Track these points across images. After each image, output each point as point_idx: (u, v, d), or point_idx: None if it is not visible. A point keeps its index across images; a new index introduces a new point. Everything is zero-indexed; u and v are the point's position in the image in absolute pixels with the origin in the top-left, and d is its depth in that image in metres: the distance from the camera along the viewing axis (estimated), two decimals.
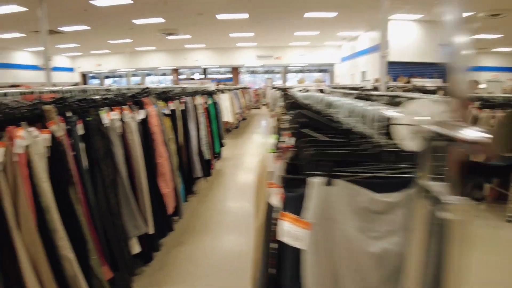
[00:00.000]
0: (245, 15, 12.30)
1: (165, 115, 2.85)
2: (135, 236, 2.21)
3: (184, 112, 3.53)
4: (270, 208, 1.12)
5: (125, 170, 2.05)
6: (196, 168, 3.92)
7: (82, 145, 1.70)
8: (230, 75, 22.74)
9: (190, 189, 3.95)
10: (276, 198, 1.00)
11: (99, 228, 1.80)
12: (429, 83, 7.04)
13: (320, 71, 23.05)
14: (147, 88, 2.88)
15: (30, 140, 1.36)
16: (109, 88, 2.76)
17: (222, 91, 7.89)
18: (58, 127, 1.51)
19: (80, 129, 1.70)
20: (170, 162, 2.73)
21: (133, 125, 2.22)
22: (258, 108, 19.78)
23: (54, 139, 1.47)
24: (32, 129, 1.43)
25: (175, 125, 3.18)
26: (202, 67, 22.64)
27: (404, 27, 13.58)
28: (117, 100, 2.17)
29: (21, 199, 1.31)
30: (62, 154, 1.51)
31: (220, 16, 12.30)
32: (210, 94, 5.13)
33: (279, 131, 1.83)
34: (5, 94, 1.75)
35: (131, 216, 2.08)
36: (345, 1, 10.64)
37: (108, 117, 1.94)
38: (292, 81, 22.39)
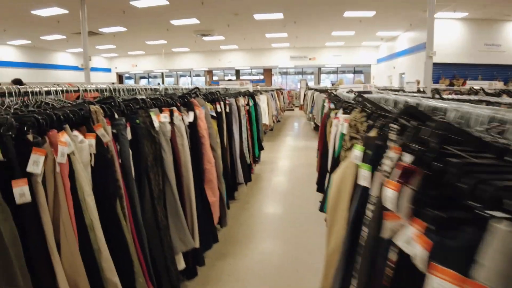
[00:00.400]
0: (280, 15, 12.05)
1: (212, 117, 2.63)
2: (181, 251, 1.98)
3: (228, 114, 3.31)
4: (383, 245, 0.84)
5: (174, 179, 1.83)
6: (239, 173, 3.69)
7: (129, 151, 1.48)
8: (261, 76, 22.57)
9: (231, 195, 3.72)
10: (407, 238, 0.72)
11: (145, 245, 1.58)
12: (486, 85, 6.46)
13: (355, 72, 22.50)
14: (197, 88, 2.66)
15: (74, 147, 1.15)
16: (157, 87, 2.55)
17: (261, 92, 7.66)
18: (105, 131, 1.30)
19: (129, 133, 1.49)
20: (217, 168, 2.50)
21: (183, 129, 2.00)
22: (292, 109, 19.54)
23: (100, 145, 1.25)
24: (76, 133, 1.22)
25: (220, 128, 2.96)
26: (235, 68, 22.61)
27: (446, 26, 12.83)
28: (166, 101, 1.96)
29: (62, 216, 1.10)
30: (109, 163, 1.29)
31: (257, 16, 12.10)
32: (251, 95, 4.90)
33: (358, 140, 1.55)
34: (48, 92, 1.56)
35: (179, 230, 1.85)
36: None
37: (158, 119, 1.73)
38: (324, 82, 21.95)
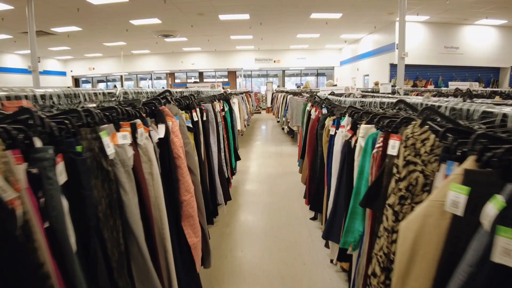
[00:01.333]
0: (246, 16, 11.58)
1: (189, 129, 2.03)
2: None
3: (205, 123, 2.71)
4: None
5: (142, 230, 1.22)
6: (219, 192, 3.10)
7: (65, 203, 0.85)
8: (226, 79, 22.05)
9: (210, 220, 3.12)
10: None
11: None
12: (466, 86, 6.28)
13: (318, 74, 22.70)
14: (168, 91, 2.03)
15: None
16: (112, 91, 1.88)
17: (232, 95, 7.09)
18: (5, 181, 0.67)
19: (62, 173, 0.87)
20: (197, 198, 1.90)
21: (151, 150, 1.39)
22: (259, 112, 19.23)
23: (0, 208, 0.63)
24: None
25: (197, 141, 2.36)
26: (199, 70, 21.90)
27: (409, 29, 13.11)
28: (126, 111, 1.33)
29: None
30: (19, 243, 0.67)
31: (222, 17, 11.52)
32: (226, 99, 4.31)
33: (418, 166, 1.02)
34: None
35: None
36: (352, 1, 9.99)
37: (114, 142, 1.11)
38: (287, 84, 21.97)
